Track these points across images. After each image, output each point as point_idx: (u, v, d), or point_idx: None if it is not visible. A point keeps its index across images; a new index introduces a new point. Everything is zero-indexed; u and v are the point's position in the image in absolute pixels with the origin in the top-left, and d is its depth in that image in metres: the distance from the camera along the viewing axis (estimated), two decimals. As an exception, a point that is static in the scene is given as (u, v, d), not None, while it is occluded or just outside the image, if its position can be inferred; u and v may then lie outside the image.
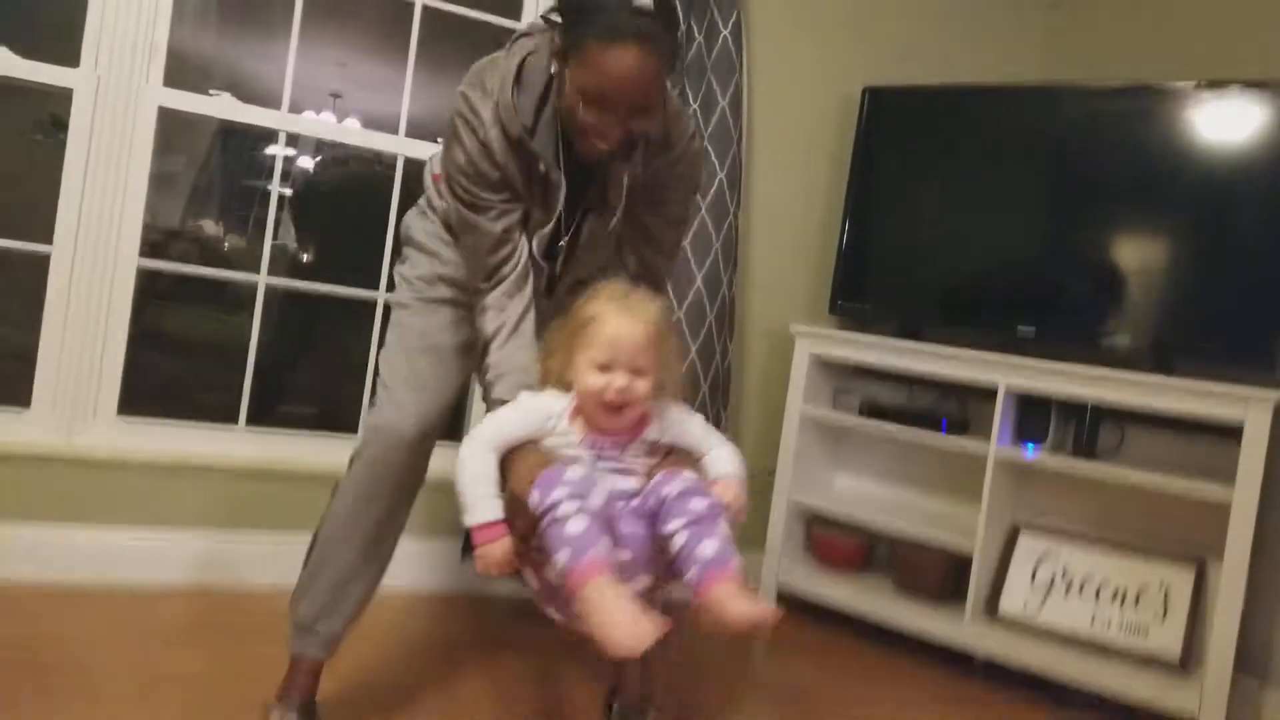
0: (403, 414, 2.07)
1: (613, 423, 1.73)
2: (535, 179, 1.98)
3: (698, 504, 1.64)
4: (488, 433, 1.75)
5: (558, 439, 1.76)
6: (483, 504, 1.71)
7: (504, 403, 1.86)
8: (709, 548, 1.61)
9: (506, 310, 1.98)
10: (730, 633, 1.55)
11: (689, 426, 1.86)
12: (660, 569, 1.74)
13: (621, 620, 1.51)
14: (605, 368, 1.70)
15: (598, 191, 2.03)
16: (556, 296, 2.16)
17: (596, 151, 1.91)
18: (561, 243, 2.08)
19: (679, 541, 1.63)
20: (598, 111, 1.83)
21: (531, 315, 2.00)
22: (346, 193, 4.36)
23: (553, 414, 1.75)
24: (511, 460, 1.76)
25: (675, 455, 1.83)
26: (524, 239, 2.02)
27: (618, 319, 1.73)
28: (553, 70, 1.91)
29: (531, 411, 1.76)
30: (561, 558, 1.56)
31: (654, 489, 1.70)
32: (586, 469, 1.67)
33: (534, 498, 1.63)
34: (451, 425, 2.21)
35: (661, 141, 2.02)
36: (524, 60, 1.94)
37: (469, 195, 1.95)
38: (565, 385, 1.78)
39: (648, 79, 1.81)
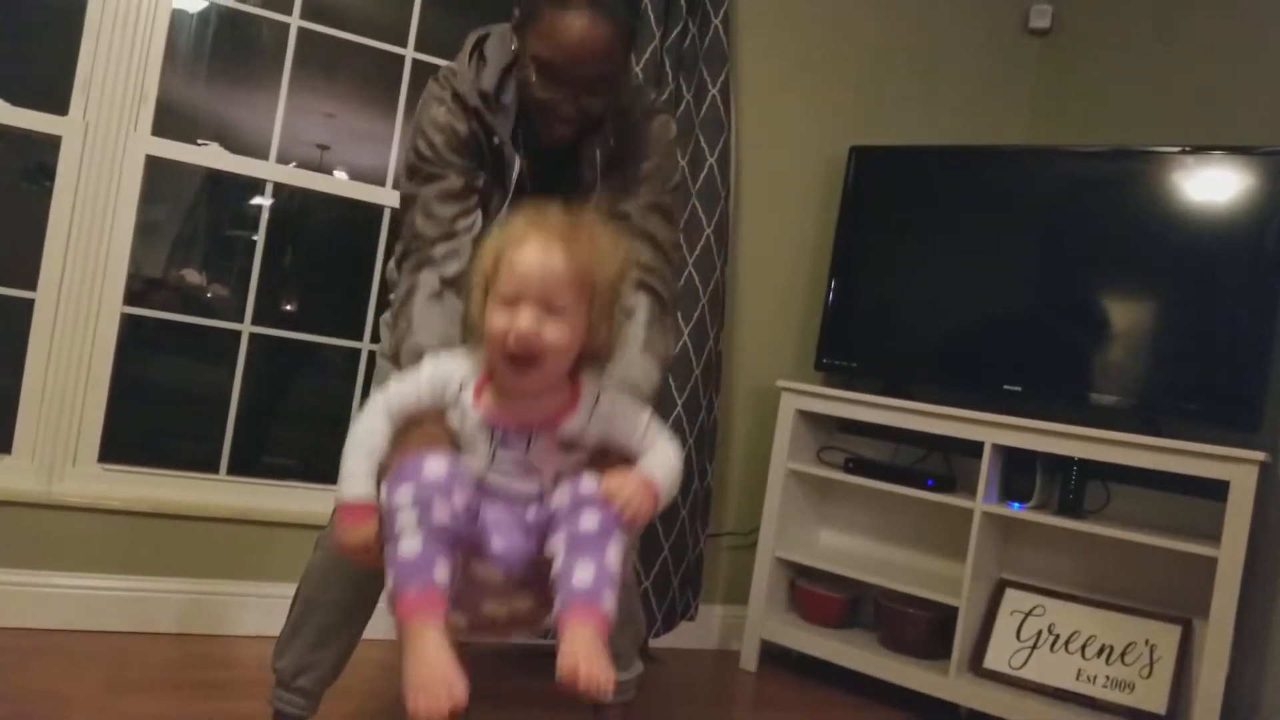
0: None
1: (517, 382, 1.37)
2: (492, 155, 1.94)
3: (588, 520, 1.33)
4: (388, 397, 1.46)
5: (459, 415, 1.42)
6: (354, 479, 1.44)
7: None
8: (583, 576, 1.30)
9: (449, 267, 1.80)
10: (563, 686, 1.26)
11: (623, 416, 1.46)
12: (545, 591, 1.38)
13: (426, 681, 1.27)
14: (512, 303, 1.34)
15: (571, 174, 1.96)
16: None
17: (555, 135, 1.89)
18: None
19: (557, 564, 1.33)
20: (552, 85, 1.81)
21: None
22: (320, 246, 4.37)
23: (454, 380, 1.42)
24: (404, 433, 1.45)
25: (605, 459, 1.45)
26: (480, 212, 1.92)
27: (535, 242, 1.35)
28: (513, 45, 1.90)
29: (432, 379, 1.45)
30: (388, 583, 1.28)
31: (551, 500, 1.41)
32: (455, 464, 1.35)
33: (383, 494, 1.35)
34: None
35: (625, 112, 1.98)
36: (483, 37, 1.94)
37: (431, 153, 1.90)
38: (480, 337, 1.41)
39: (600, 48, 1.79)
